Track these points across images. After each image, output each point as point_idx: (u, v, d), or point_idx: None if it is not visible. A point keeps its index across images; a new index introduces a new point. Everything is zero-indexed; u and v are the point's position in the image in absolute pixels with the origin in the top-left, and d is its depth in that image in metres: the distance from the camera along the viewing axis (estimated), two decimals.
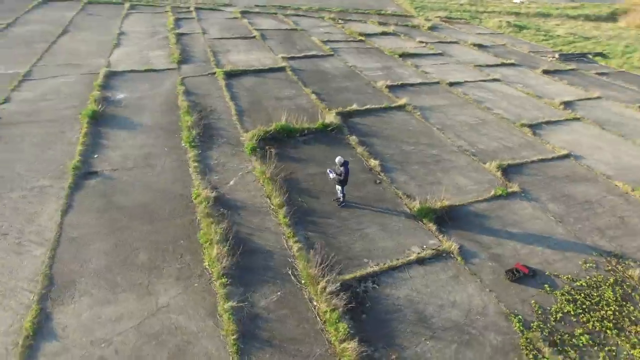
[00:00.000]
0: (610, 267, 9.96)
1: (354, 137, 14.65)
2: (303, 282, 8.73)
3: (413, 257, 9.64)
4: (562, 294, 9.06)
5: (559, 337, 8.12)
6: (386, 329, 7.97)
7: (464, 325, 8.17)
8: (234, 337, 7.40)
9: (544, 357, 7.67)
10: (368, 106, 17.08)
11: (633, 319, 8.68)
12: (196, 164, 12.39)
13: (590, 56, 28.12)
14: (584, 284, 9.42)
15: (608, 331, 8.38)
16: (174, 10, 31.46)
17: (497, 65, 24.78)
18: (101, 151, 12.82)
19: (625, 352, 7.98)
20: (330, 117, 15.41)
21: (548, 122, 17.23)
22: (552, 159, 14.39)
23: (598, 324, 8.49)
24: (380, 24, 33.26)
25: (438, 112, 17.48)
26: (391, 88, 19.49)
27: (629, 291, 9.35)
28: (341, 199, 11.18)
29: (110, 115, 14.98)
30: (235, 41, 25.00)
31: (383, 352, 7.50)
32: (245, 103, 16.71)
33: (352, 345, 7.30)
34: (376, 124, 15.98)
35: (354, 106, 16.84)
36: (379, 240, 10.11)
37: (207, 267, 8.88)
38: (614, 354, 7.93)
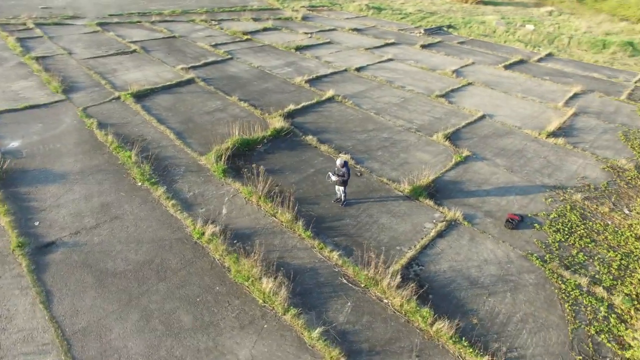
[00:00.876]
0: (562, 197, 12.42)
1: (310, 136, 14.71)
2: (363, 285, 8.80)
3: (433, 233, 10.48)
4: (549, 228, 11.04)
5: (567, 260, 9.97)
6: (453, 300, 8.66)
7: (504, 275, 9.38)
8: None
9: (567, 279, 9.38)
10: (303, 104, 17.18)
11: (596, 231, 11.11)
12: (172, 201, 10.99)
13: (445, 29, 32.91)
14: (555, 215, 11.59)
15: (588, 245, 10.59)
16: (6, 29, 25.91)
17: (382, 46, 27.17)
18: (39, 216, 10.36)
19: (605, 256, 10.24)
20: (279, 122, 15.11)
21: (452, 90, 19.93)
22: (475, 121, 16.82)
23: (580, 242, 10.65)
24: (255, 20, 32.96)
25: (364, 97, 18.59)
26: (310, 82, 19.85)
27: (582, 211, 11.86)
28: (343, 199, 11.33)
29: (19, 170, 12.05)
30: (117, 58, 22.02)
31: (465, 320, 8.21)
32: (177, 124, 15.15)
33: (443, 324, 7.81)
34: (319, 119, 16.26)
35: (291, 106, 16.77)
36: (397, 226, 10.68)
37: (263, 304, 8.24)
38: (601, 259, 10.11)
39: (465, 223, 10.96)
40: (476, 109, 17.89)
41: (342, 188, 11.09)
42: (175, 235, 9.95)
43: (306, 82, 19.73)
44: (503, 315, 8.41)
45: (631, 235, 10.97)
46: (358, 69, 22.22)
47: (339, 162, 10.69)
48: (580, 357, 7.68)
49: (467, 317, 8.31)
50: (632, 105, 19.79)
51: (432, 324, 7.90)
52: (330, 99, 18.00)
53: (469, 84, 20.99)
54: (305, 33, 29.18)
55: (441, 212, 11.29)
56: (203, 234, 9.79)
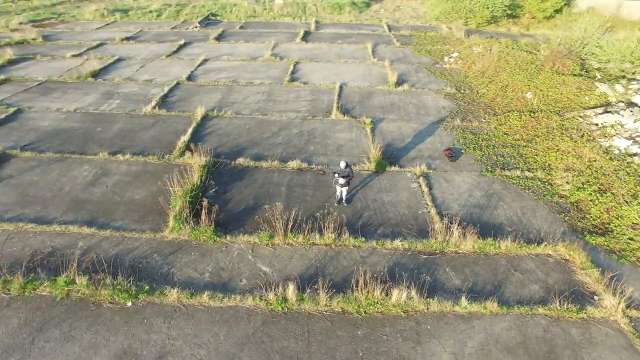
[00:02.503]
0: (451, 125, 16.19)
1: (240, 159, 13.45)
2: None
3: (423, 187, 12.29)
4: (463, 144, 14.53)
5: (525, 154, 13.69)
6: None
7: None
8: None
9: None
10: (190, 131, 15.05)
11: (484, 138, 15.34)
12: None
13: (212, 17, 32.55)
14: (461, 138, 15.20)
15: (484, 144, 14.67)
16: None
17: (180, 49, 25.12)
18: None
19: (538, 146, 14.43)
20: (200, 159, 13.02)
21: (293, 72, 21.16)
22: (341, 92, 18.86)
23: (484, 145, 14.60)
24: None
25: (233, 104, 17.60)
26: (160, 107, 17.11)
27: (468, 129, 15.92)
28: (345, 198, 11.54)
29: None
30: None
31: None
32: (64, 208, 11.00)
33: None
34: (224, 141, 14.78)
35: (184, 138, 14.48)
36: (400, 193, 11.95)
37: None
38: (534, 149, 14.23)
39: (431, 171, 13.19)
40: (328, 82, 19.89)
41: (346, 189, 11.29)
42: None
43: (155, 107, 16.92)
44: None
45: (499, 132, 15.68)
46: (189, 78, 20.31)
47: (342, 164, 10.81)
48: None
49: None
50: (405, 48, 25.97)
51: None
52: (208, 117, 16.32)
53: (297, 63, 22.61)
54: (75, 56, 23.57)
55: (412, 172, 13.10)
56: None
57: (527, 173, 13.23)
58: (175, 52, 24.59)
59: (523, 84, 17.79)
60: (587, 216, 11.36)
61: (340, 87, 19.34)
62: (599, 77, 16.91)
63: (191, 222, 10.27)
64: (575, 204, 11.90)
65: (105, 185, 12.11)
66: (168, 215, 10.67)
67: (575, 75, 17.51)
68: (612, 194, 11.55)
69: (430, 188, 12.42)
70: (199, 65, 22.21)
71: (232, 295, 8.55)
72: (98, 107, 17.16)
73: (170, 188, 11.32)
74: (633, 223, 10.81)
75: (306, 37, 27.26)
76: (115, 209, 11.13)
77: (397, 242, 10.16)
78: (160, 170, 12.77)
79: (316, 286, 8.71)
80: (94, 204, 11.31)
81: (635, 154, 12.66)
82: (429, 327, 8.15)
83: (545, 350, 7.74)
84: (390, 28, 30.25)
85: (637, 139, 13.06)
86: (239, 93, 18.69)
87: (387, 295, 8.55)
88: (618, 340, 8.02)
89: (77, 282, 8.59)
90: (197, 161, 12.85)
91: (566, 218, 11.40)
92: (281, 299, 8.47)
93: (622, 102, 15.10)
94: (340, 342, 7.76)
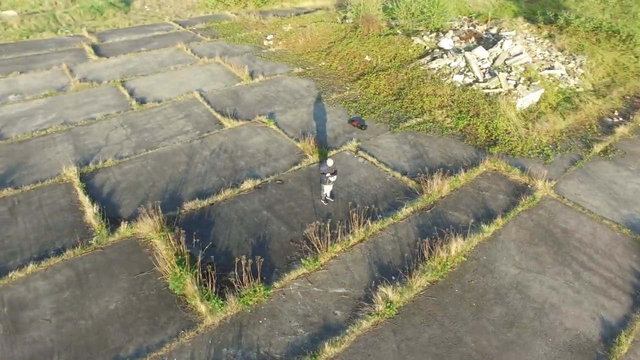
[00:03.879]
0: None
1: (187, 205, 11.27)
2: None
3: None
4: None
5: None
6: None
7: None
8: None
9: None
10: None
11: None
12: None
13: None
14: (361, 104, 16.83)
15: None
16: None
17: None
18: None
19: (408, 96, 17.05)
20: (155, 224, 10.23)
21: (133, 93, 17.75)
22: (190, 102, 17.26)
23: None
24: None
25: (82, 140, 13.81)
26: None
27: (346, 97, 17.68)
28: (329, 195, 11.60)
29: None
30: None
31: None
32: None
33: None
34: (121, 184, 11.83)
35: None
36: (359, 171, 12.80)
37: None
38: (407, 99, 16.84)
39: (360, 143, 14.44)
40: (182, 93, 17.81)
41: (330, 187, 11.36)
42: None
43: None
44: None
45: (368, 94, 18.09)
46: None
47: (330, 162, 10.83)
48: None
49: None
50: (218, 41, 24.92)
51: None
52: (87, 176, 12.41)
53: (123, 82, 18.86)
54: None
55: (349, 150, 14.00)
56: None
57: (418, 119, 16.15)
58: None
59: (357, 50, 20.59)
60: (478, 136, 15.10)
61: (202, 95, 17.67)
62: (398, 31, 21.29)
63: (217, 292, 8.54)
64: (463, 130, 15.52)
65: (49, 321, 8.27)
66: (183, 301, 8.49)
67: (389, 34, 21.43)
68: (482, 114, 15.59)
69: (373, 156, 13.74)
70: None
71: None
72: None
73: (145, 273, 8.88)
74: (505, 130, 15.11)
75: (98, 51, 22.55)
76: (109, 334, 7.98)
77: (404, 210, 11.26)
78: (102, 263, 9.51)
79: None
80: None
81: (471, 84, 17.19)
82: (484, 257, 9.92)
83: (533, 222, 10.73)
84: (181, 24, 28.13)
85: (466, 72, 17.68)
86: (91, 135, 14.65)
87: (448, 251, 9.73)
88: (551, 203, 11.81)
89: None
90: (149, 226, 10.13)
91: (468, 142, 14.87)
92: (387, 302, 8.50)
93: (436, 49, 19.77)
94: None
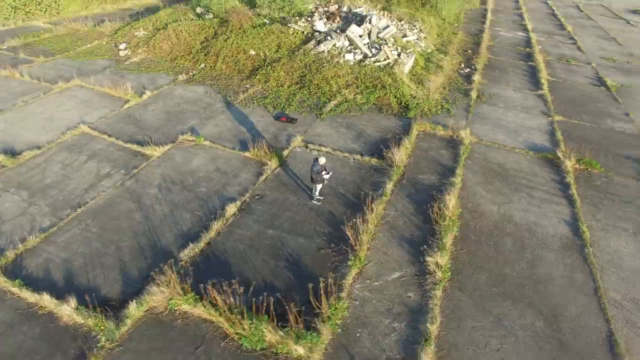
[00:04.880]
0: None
1: (182, 253, 9.57)
2: None
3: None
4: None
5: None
6: None
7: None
8: None
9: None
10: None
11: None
12: None
13: None
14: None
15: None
16: None
17: None
18: None
19: (314, 82, 17.26)
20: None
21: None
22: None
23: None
24: None
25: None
26: None
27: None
28: (318, 194, 11.52)
29: None
30: None
31: None
32: None
33: None
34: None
35: None
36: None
37: None
38: (314, 85, 17.14)
39: (303, 136, 14.45)
40: (60, 130, 14.22)
41: (320, 186, 11.29)
42: None
43: None
44: None
45: (271, 87, 17.87)
46: None
47: (322, 160, 10.74)
48: None
49: None
50: (56, 60, 20.04)
51: None
52: (18, 262, 9.11)
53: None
54: None
55: (299, 147, 13.87)
56: None
57: (333, 102, 16.89)
58: None
59: (239, 45, 19.71)
60: (392, 106, 16.81)
61: (91, 127, 14.45)
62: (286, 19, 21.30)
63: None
64: (376, 103, 17.00)
65: None
66: (271, 356, 7.63)
67: (263, 25, 21.05)
68: (387, 86, 17.29)
69: (323, 146, 14.03)
70: None
71: None
72: None
73: (201, 347, 7.61)
74: (410, 95, 17.19)
75: None
76: None
77: (388, 186, 12.07)
78: (134, 358, 7.56)
79: None
80: None
81: (362, 60, 18.68)
82: (469, 204, 11.66)
83: (477, 165, 13.17)
84: None
85: (353, 50, 19.03)
86: None
87: None
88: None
89: None
90: (164, 293, 8.35)
91: (388, 113, 16.45)
92: (439, 267, 9.33)
93: (316, 32, 20.46)
94: None
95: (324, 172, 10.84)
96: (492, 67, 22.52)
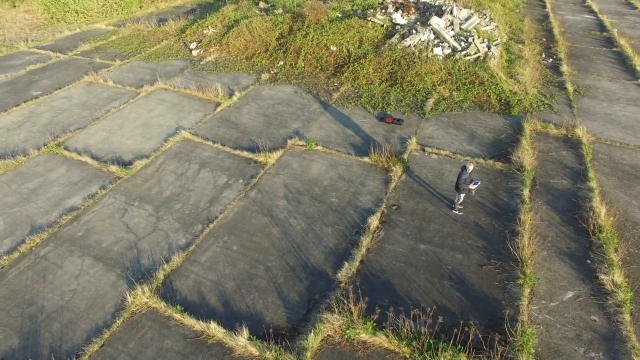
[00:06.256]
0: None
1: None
2: None
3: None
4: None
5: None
6: None
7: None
8: None
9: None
10: None
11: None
12: None
13: None
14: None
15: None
16: None
17: None
18: None
19: (406, 79, 16.52)
20: None
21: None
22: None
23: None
24: None
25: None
26: None
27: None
28: (460, 202, 10.90)
29: None
30: None
31: None
32: None
33: None
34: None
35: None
36: (447, 165, 12.39)
37: None
38: (407, 82, 16.38)
39: (416, 138, 13.78)
40: (160, 138, 13.82)
41: (463, 195, 10.66)
42: None
43: None
44: None
45: (363, 83, 17.13)
46: None
47: (471, 167, 10.11)
48: None
49: None
50: (131, 62, 19.62)
51: None
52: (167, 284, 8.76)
53: (59, 144, 13.47)
54: None
55: (418, 151, 13.23)
56: None
57: (430, 101, 16.10)
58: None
59: (318, 42, 18.96)
60: (493, 103, 15.93)
61: (192, 133, 14.01)
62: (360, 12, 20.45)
63: None
64: (475, 101, 16.16)
65: None
66: None
67: (343, 19, 20.22)
68: (486, 82, 16.42)
69: (441, 149, 13.32)
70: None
71: None
72: None
73: None
74: (510, 91, 16.29)
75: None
76: None
77: (524, 193, 11.37)
78: None
79: None
80: None
81: (452, 54, 17.80)
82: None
83: (608, 167, 12.34)
84: (52, 49, 21.05)
85: (440, 44, 18.15)
86: (94, 232, 10.23)
87: None
88: None
89: None
90: (341, 319, 7.88)
91: (491, 111, 15.61)
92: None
93: (397, 26, 19.59)
94: None
95: (471, 183, 10.20)
96: (575, 55, 21.37)
